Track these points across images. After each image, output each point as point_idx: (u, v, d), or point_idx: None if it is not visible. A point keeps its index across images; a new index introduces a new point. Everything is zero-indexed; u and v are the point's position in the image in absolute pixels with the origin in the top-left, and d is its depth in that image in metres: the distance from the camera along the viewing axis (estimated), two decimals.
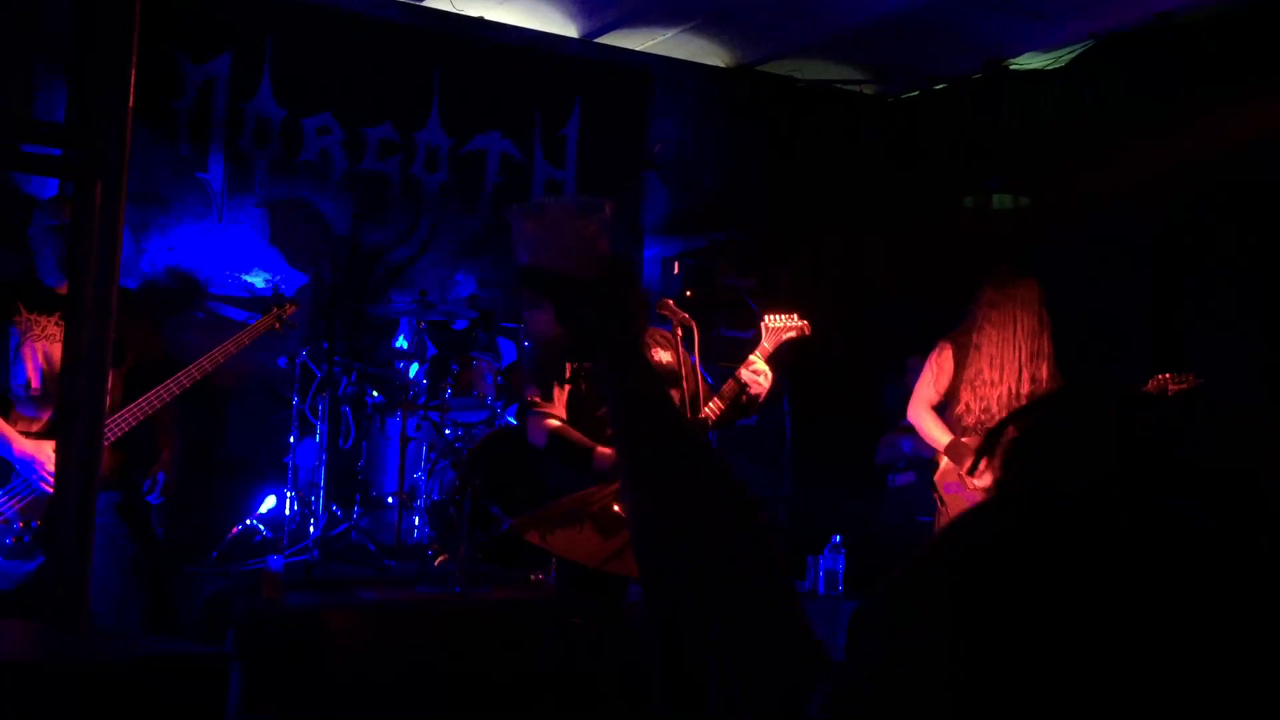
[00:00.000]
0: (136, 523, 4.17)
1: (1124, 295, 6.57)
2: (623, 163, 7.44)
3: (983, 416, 4.41)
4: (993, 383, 4.41)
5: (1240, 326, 6.11)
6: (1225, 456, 0.65)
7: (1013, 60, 7.25)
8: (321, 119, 6.67)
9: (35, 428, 3.99)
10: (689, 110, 7.71)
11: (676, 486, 1.16)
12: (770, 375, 3.90)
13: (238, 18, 6.47)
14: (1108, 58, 6.72)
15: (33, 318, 4.06)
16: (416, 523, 5.81)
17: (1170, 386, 4.67)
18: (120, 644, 2.40)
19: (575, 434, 3.70)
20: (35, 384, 4.01)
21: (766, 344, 3.99)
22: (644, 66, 7.55)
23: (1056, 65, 7.03)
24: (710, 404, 3.83)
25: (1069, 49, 6.93)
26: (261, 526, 5.61)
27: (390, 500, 5.84)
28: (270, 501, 5.78)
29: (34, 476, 3.91)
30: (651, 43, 7.44)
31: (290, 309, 4.77)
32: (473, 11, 6.98)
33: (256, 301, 6.23)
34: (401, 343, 6.17)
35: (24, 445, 3.93)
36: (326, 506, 5.52)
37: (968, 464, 4.40)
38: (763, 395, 3.91)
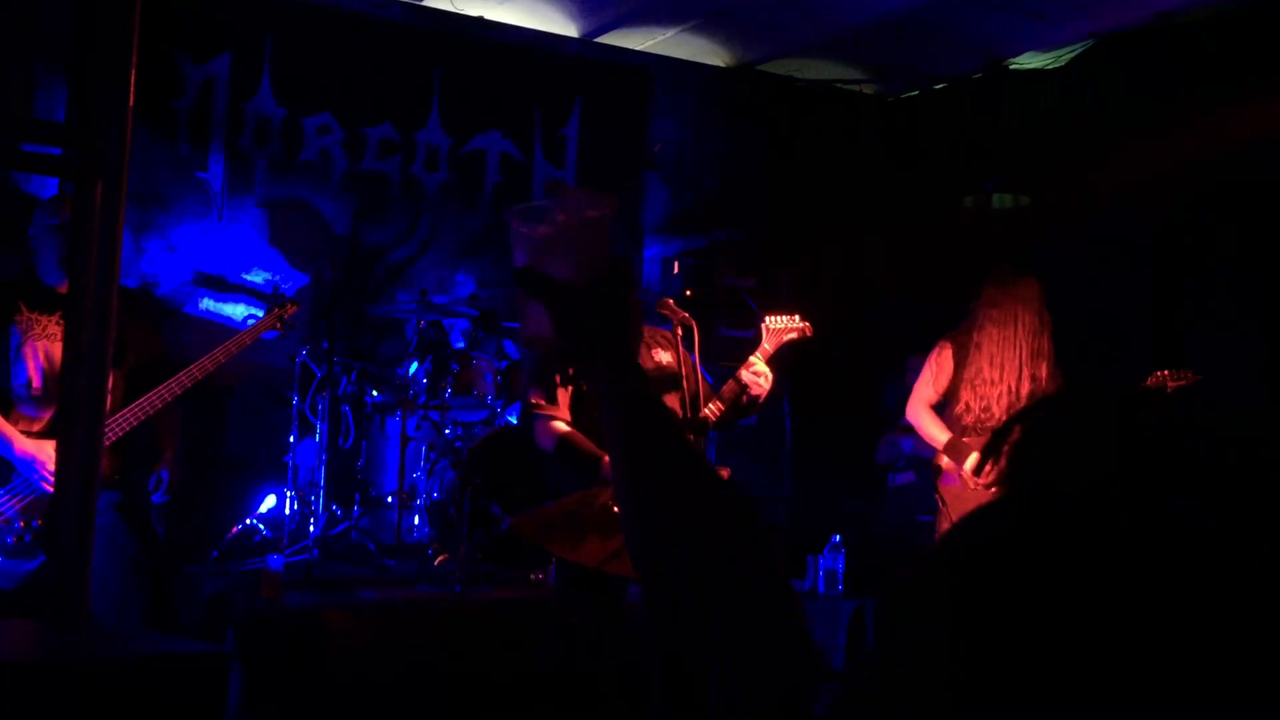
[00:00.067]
0: (137, 522, 4.17)
1: (1124, 295, 6.57)
2: (623, 162, 7.45)
3: (982, 415, 4.41)
4: (993, 381, 4.41)
5: (1240, 326, 6.11)
6: (1225, 456, 0.65)
7: (1013, 60, 7.25)
8: (321, 118, 6.67)
9: (36, 427, 3.99)
10: (689, 110, 7.71)
11: (676, 487, 1.16)
12: (771, 376, 3.90)
13: (238, 17, 6.47)
14: (1108, 57, 6.72)
15: (33, 317, 4.06)
16: (416, 522, 5.81)
17: (1169, 383, 4.67)
18: (120, 643, 2.40)
19: (584, 442, 3.70)
20: (36, 383, 4.01)
21: (767, 345, 3.98)
22: (644, 66, 7.55)
23: (1056, 65, 7.03)
24: (711, 405, 3.83)
25: (1069, 49, 6.93)
26: (261, 526, 5.62)
27: (390, 500, 5.84)
28: (270, 501, 5.79)
29: (35, 476, 3.91)
30: (651, 42, 7.44)
31: (291, 309, 4.77)
32: (473, 11, 6.98)
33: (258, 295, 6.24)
34: (404, 342, 6.18)
35: (25, 445, 3.93)
36: (326, 506, 5.52)
37: (966, 462, 4.40)
38: (763, 396, 3.91)
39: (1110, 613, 0.60)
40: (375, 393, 5.96)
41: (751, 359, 3.90)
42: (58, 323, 4.01)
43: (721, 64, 7.77)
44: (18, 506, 3.92)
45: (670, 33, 7.27)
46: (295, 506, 5.54)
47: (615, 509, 3.56)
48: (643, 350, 3.87)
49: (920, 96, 7.99)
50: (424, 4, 6.86)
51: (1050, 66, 7.08)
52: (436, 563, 5.38)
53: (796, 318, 4.08)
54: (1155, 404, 0.70)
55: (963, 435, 4.47)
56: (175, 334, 5.77)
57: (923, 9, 6.51)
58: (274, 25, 6.55)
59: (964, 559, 0.66)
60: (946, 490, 4.54)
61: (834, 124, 7.90)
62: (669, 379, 3.77)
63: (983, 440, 4.40)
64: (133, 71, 2.32)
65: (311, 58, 6.62)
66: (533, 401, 3.86)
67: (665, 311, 3.85)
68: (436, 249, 6.92)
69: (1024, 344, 4.40)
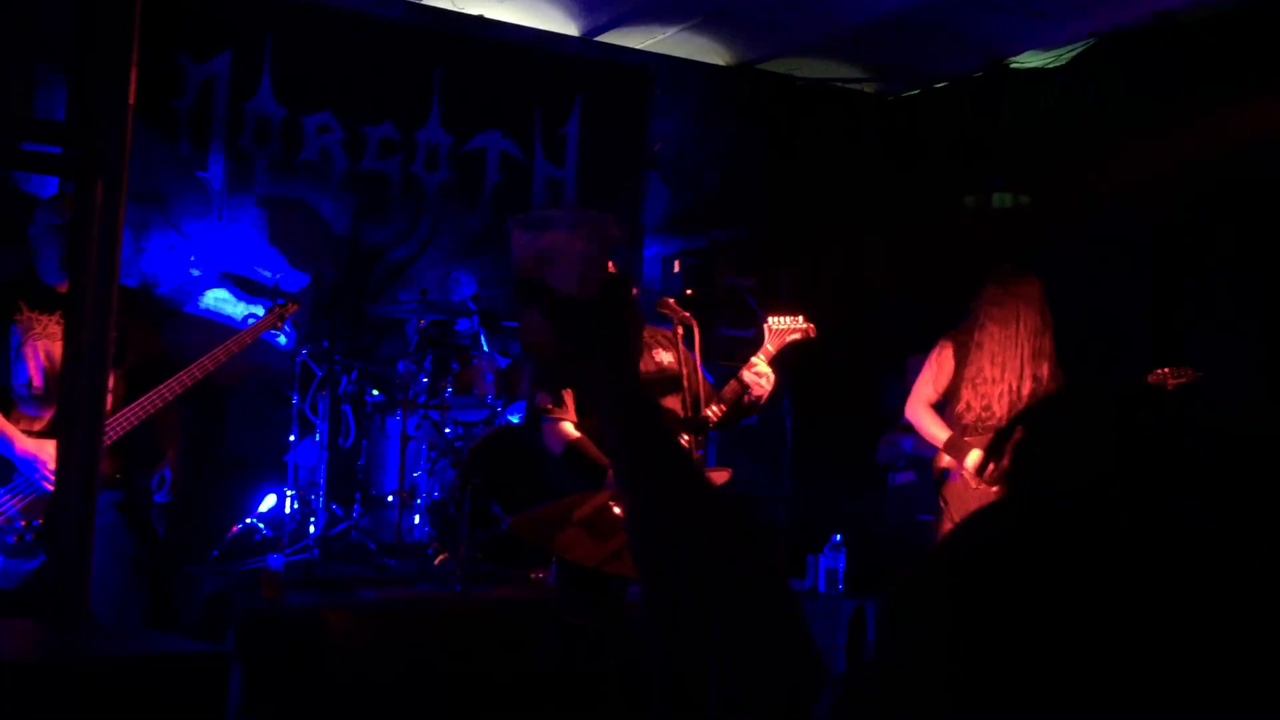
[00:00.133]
0: (137, 522, 4.17)
1: (1124, 295, 6.57)
2: (623, 161, 7.45)
3: (983, 414, 4.41)
4: (994, 380, 4.41)
5: (1240, 326, 6.11)
6: (1225, 456, 0.65)
7: (1013, 59, 7.25)
8: (322, 118, 6.67)
9: (37, 426, 3.99)
10: (689, 109, 7.72)
11: (676, 487, 1.16)
12: (772, 377, 3.89)
13: (238, 17, 6.47)
14: (1108, 57, 6.72)
15: (34, 316, 4.06)
16: (416, 521, 5.81)
17: (1170, 381, 4.67)
18: (121, 643, 2.40)
19: (592, 448, 3.70)
20: (37, 383, 4.01)
21: (770, 345, 3.97)
22: (644, 65, 7.55)
23: (1057, 64, 7.03)
24: (712, 406, 3.83)
25: (1069, 48, 6.93)
26: (262, 525, 5.62)
27: (390, 499, 5.84)
28: (270, 500, 5.79)
29: (36, 475, 3.91)
30: (652, 41, 7.44)
31: (292, 308, 4.77)
32: (473, 10, 6.98)
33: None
34: (404, 341, 6.18)
35: (26, 444, 3.93)
36: (327, 505, 5.52)
37: (968, 459, 4.39)
38: (765, 397, 3.90)
39: (1110, 613, 0.60)
40: (375, 392, 5.96)
41: (754, 359, 3.89)
42: (58, 322, 4.01)
43: (722, 63, 7.77)
44: (18, 506, 3.92)
45: (670, 32, 7.27)
46: (295, 506, 5.54)
47: (616, 509, 3.56)
48: (644, 351, 3.87)
49: (920, 96, 7.99)
50: (424, 3, 6.86)
51: (1051, 66, 7.07)
52: (437, 562, 5.38)
53: (800, 318, 4.06)
54: (1155, 403, 0.70)
55: (963, 434, 4.47)
56: (175, 333, 5.76)
57: (923, 8, 6.51)
58: (274, 24, 6.55)
59: (964, 559, 0.66)
60: (948, 490, 4.54)
61: (834, 123, 7.90)
62: (670, 379, 3.76)
63: (983, 439, 4.40)
64: (133, 70, 2.32)
65: (312, 57, 6.62)
66: (541, 405, 3.86)
67: (665, 311, 3.84)
68: (437, 248, 6.93)
69: (1025, 343, 4.40)
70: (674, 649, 1.08)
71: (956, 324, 4.60)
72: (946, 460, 4.51)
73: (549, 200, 7.30)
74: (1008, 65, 7.29)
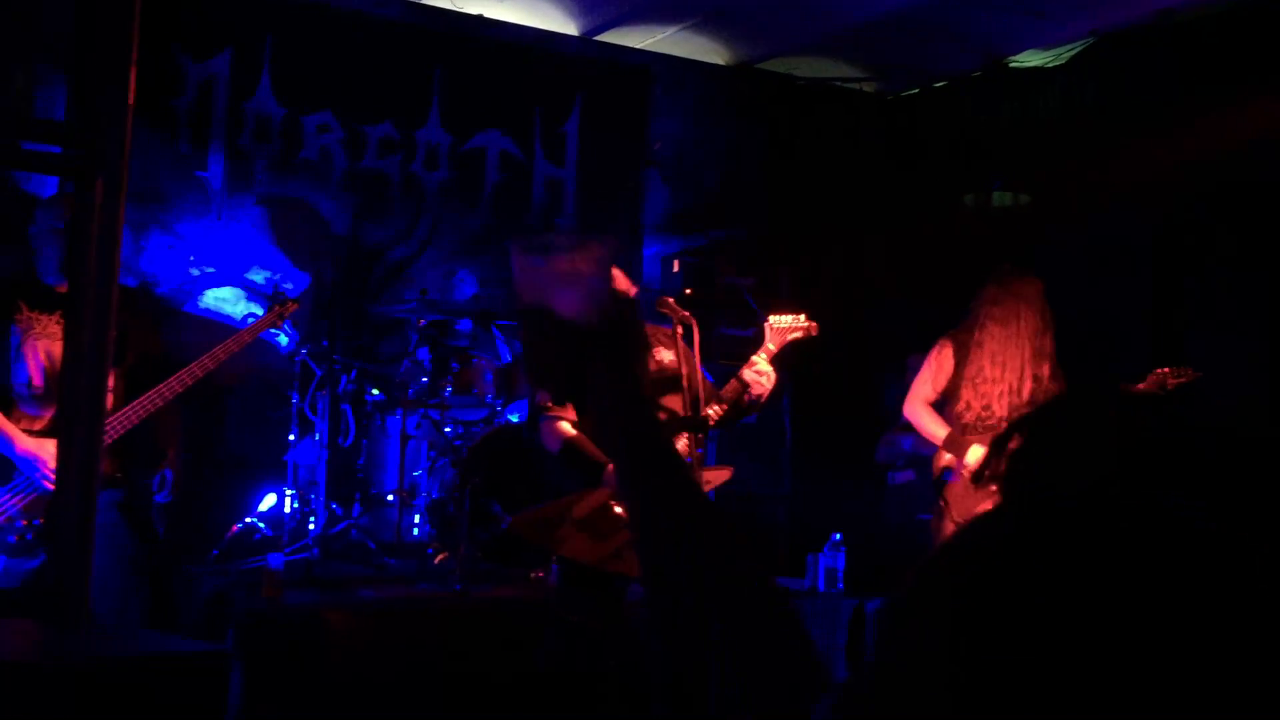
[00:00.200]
0: (138, 521, 4.17)
1: (1124, 295, 6.57)
2: (623, 161, 7.45)
3: (983, 414, 4.41)
4: (994, 380, 4.41)
5: (1240, 326, 6.11)
6: (1225, 456, 0.65)
7: (1013, 58, 7.25)
8: (321, 117, 6.67)
9: (38, 426, 3.99)
10: (689, 108, 7.72)
11: (676, 486, 1.16)
12: (773, 376, 3.89)
13: (238, 16, 6.47)
14: (1108, 56, 6.72)
15: (34, 316, 4.06)
16: (416, 521, 5.81)
17: (1169, 381, 4.67)
18: (121, 642, 2.40)
19: (589, 446, 3.70)
20: (37, 382, 4.02)
21: (771, 344, 3.97)
22: (644, 64, 7.55)
23: (1057, 63, 7.03)
24: (713, 406, 3.83)
25: (1069, 47, 6.93)
26: (261, 524, 5.62)
27: (390, 498, 5.85)
28: (270, 499, 5.79)
29: (36, 474, 3.91)
30: (651, 40, 7.44)
31: (292, 307, 4.77)
32: (473, 9, 6.98)
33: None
34: (404, 340, 6.18)
35: (26, 443, 3.93)
36: (326, 504, 5.52)
37: (968, 455, 4.39)
38: (765, 396, 3.90)
39: (1110, 613, 0.60)
40: (375, 391, 5.96)
41: (755, 358, 3.89)
42: (58, 322, 4.02)
43: (721, 62, 7.77)
44: (19, 505, 3.92)
45: (670, 31, 7.27)
46: (295, 505, 5.54)
47: (616, 508, 3.56)
48: (647, 350, 3.87)
49: (920, 95, 7.99)
50: (424, 2, 6.86)
51: (1051, 65, 7.07)
52: (436, 561, 5.38)
53: (802, 316, 4.05)
54: (1155, 405, 0.70)
55: (963, 433, 4.47)
56: (175, 333, 5.76)
57: (923, 7, 6.51)
58: (274, 24, 6.55)
59: (965, 560, 0.66)
60: (948, 490, 4.54)
61: (834, 123, 7.90)
62: (670, 378, 3.76)
63: (983, 438, 4.40)
64: (133, 70, 2.32)
65: (311, 56, 6.62)
66: (541, 403, 3.86)
67: (665, 310, 3.84)
68: (436, 248, 6.92)
69: (1026, 343, 4.40)
70: (674, 649, 1.08)
71: (956, 324, 4.61)
72: (946, 459, 4.51)
73: (549, 199, 7.30)
74: (1008, 64, 7.29)
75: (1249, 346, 6.08)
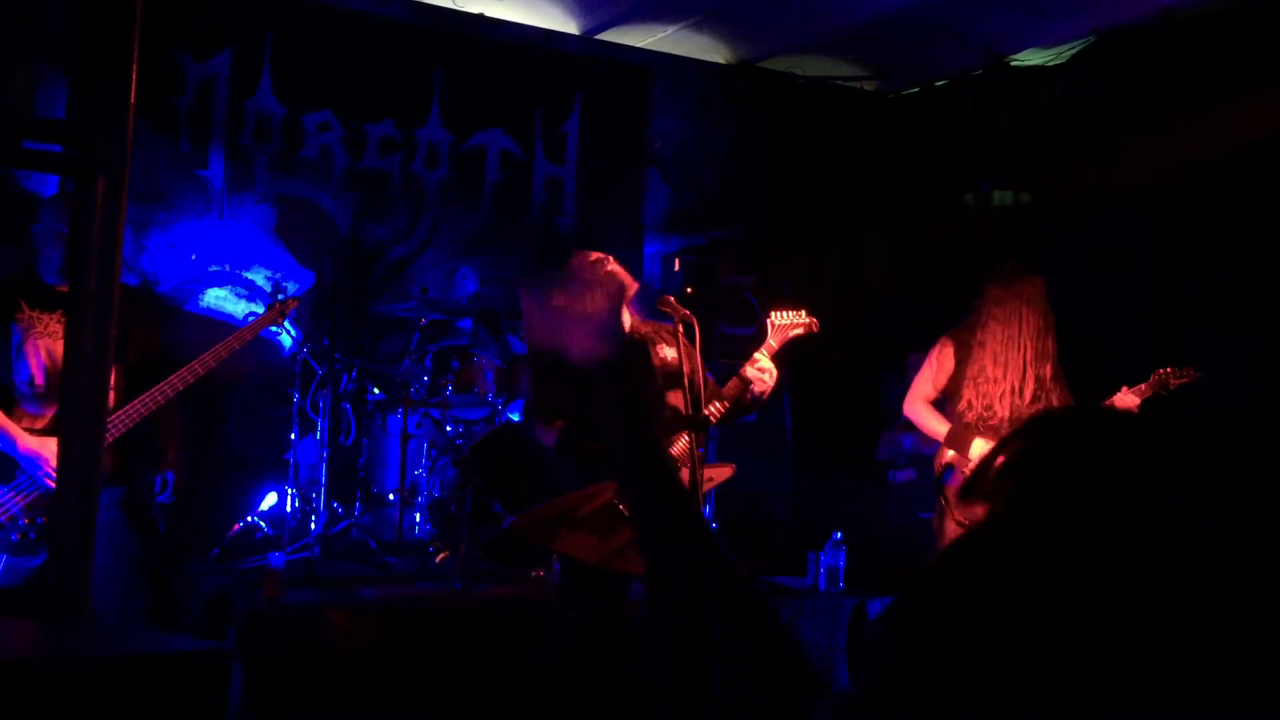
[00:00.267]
0: (139, 520, 4.17)
1: (1124, 295, 6.57)
2: (623, 159, 7.45)
3: (984, 414, 4.40)
4: (996, 380, 4.40)
5: (1240, 326, 6.10)
6: (1225, 456, 0.65)
7: (1014, 57, 7.25)
8: (322, 116, 6.67)
9: (40, 424, 4.00)
10: (689, 107, 7.72)
11: (676, 486, 1.16)
12: (775, 373, 3.89)
13: (238, 15, 6.47)
14: (1108, 55, 6.72)
15: (35, 315, 4.06)
16: (417, 520, 5.81)
17: (1172, 381, 4.67)
18: (121, 641, 2.40)
19: (583, 434, 3.70)
20: (39, 381, 4.02)
21: (773, 341, 3.97)
22: (644, 63, 7.55)
23: (1058, 62, 7.03)
24: (714, 404, 3.83)
25: (1070, 45, 6.93)
26: (263, 524, 5.62)
27: (391, 497, 5.85)
28: (271, 499, 5.79)
29: (39, 473, 3.92)
30: (652, 39, 7.44)
31: (292, 304, 4.77)
32: (473, 8, 6.98)
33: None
34: (405, 339, 6.18)
35: (28, 442, 3.93)
36: (327, 504, 5.52)
37: (971, 450, 4.38)
38: (767, 393, 3.90)
39: (1110, 613, 0.60)
40: (376, 390, 5.96)
41: (756, 355, 3.89)
42: (59, 320, 4.02)
43: (722, 61, 7.77)
44: (21, 503, 3.92)
45: (670, 30, 7.27)
46: (296, 504, 5.54)
47: (620, 506, 3.56)
48: (649, 348, 3.87)
49: (921, 94, 7.98)
50: (424, 1, 6.86)
51: (1051, 64, 7.07)
52: (437, 560, 5.39)
53: (803, 313, 4.05)
54: (1134, 423, 0.70)
55: (964, 431, 4.47)
56: (176, 331, 5.77)
57: (923, 6, 6.51)
58: (274, 23, 6.55)
59: (965, 560, 0.67)
60: (949, 488, 4.53)
61: (834, 122, 7.90)
62: (672, 375, 3.76)
63: (985, 436, 4.40)
64: (133, 69, 2.32)
65: (312, 55, 6.62)
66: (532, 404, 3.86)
67: (666, 309, 3.84)
68: (437, 246, 6.93)
69: (1028, 344, 4.39)
70: (674, 649, 1.09)
71: (957, 323, 4.60)
72: (948, 456, 4.51)
73: (549, 198, 7.30)
74: (1008, 63, 7.28)
75: (1249, 346, 6.08)
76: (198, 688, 1.84)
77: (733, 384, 3.87)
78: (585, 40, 7.36)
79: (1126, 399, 4.60)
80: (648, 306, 3.98)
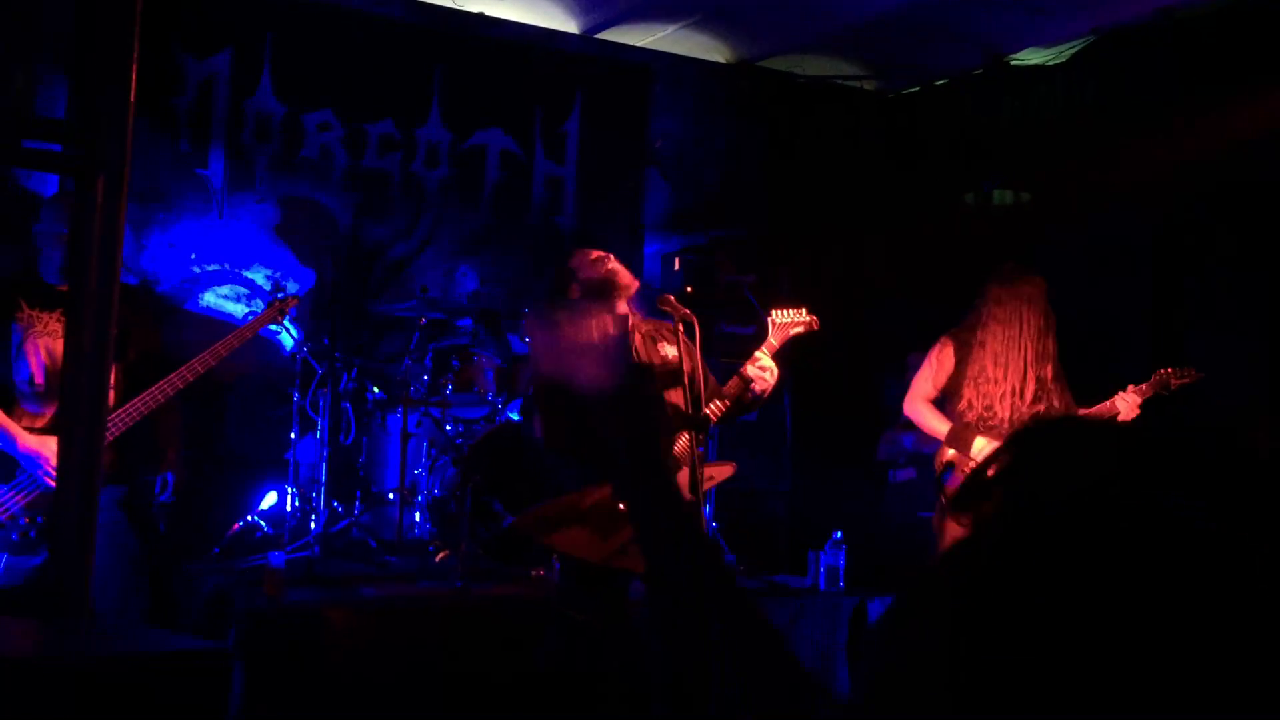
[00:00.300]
0: (139, 519, 4.18)
1: (1124, 295, 6.57)
2: (623, 159, 7.45)
3: (985, 414, 4.40)
4: (996, 380, 4.40)
5: (1240, 326, 6.10)
6: (1225, 456, 0.65)
7: (1014, 56, 7.25)
8: (322, 115, 6.67)
9: (40, 423, 4.00)
10: (689, 106, 7.72)
11: (675, 488, 1.16)
12: (776, 371, 3.89)
13: (238, 14, 6.47)
14: (1108, 54, 6.72)
15: (35, 314, 4.06)
16: (418, 519, 5.81)
17: (1173, 381, 4.67)
18: (122, 640, 2.40)
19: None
20: (39, 380, 4.02)
21: (773, 339, 3.97)
22: (644, 62, 7.55)
23: (1058, 61, 7.03)
24: (714, 403, 3.83)
25: (1070, 44, 6.92)
26: (263, 523, 5.62)
27: (391, 496, 5.85)
28: (271, 498, 5.79)
29: (39, 472, 3.92)
30: (652, 38, 7.44)
31: (291, 302, 4.77)
32: (473, 8, 6.98)
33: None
34: (405, 338, 6.18)
35: (29, 441, 3.93)
36: (328, 503, 5.52)
37: (972, 448, 4.38)
38: (768, 392, 3.90)
39: (1110, 613, 0.60)
40: (376, 389, 5.97)
41: (757, 353, 3.89)
42: (59, 319, 4.02)
43: (722, 60, 7.77)
44: (22, 502, 3.92)
45: (670, 29, 7.27)
46: (296, 503, 5.54)
47: (619, 505, 3.56)
48: (648, 345, 3.87)
49: (921, 93, 7.98)
50: (424, 0, 6.86)
51: (1051, 63, 7.07)
52: (438, 559, 5.39)
53: (803, 311, 4.05)
54: (1122, 431, 0.70)
55: (965, 430, 4.46)
56: (176, 331, 5.77)
57: (924, 5, 6.51)
58: (274, 22, 6.55)
59: (965, 561, 0.67)
60: (950, 488, 4.54)
61: (834, 121, 7.90)
62: (672, 373, 3.76)
63: (985, 437, 4.40)
64: (134, 68, 2.32)
65: (312, 54, 6.62)
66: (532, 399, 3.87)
67: (666, 308, 3.84)
68: (437, 246, 6.93)
69: (1029, 344, 4.39)
70: (674, 649, 1.09)
71: (957, 323, 4.60)
72: (949, 455, 4.51)
73: (549, 198, 7.30)
74: (1008, 62, 7.28)
75: (1249, 346, 6.08)
76: (198, 687, 1.84)
77: (733, 383, 3.87)
78: (585, 39, 7.36)
79: (1128, 398, 4.60)
80: (648, 306, 3.98)
